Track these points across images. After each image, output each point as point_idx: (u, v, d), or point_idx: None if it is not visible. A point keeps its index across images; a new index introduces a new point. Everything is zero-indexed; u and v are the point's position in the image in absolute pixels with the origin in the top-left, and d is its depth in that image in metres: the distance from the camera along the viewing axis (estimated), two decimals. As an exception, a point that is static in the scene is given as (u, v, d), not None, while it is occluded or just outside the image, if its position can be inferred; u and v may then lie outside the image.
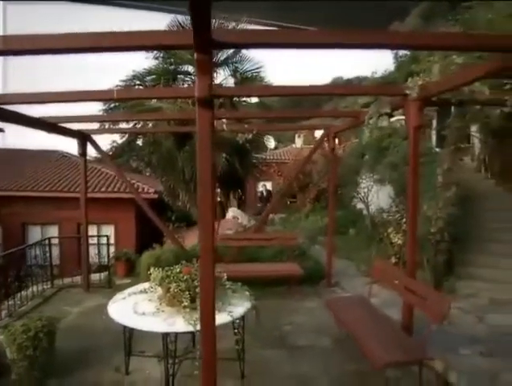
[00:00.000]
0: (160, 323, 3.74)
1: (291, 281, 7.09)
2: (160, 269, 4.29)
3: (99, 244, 9.84)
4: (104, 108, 9.98)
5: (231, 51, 8.43)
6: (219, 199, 7.42)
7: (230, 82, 8.74)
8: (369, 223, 10.12)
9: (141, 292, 4.47)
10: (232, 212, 14.87)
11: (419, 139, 4.59)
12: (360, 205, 11.98)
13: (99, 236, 9.31)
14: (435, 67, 4.45)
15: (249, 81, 8.51)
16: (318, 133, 16.07)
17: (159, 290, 4.21)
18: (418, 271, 7.00)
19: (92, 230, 13.01)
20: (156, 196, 11.63)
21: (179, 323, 3.71)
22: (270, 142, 21.07)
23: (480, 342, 4.85)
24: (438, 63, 4.40)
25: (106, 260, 7.74)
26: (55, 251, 10.19)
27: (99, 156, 14.45)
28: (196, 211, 8.85)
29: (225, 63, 8.58)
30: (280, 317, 6.16)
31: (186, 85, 8.33)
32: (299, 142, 21.34)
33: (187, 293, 3.97)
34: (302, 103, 33.63)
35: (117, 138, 13.83)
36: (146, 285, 4.57)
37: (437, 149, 12.86)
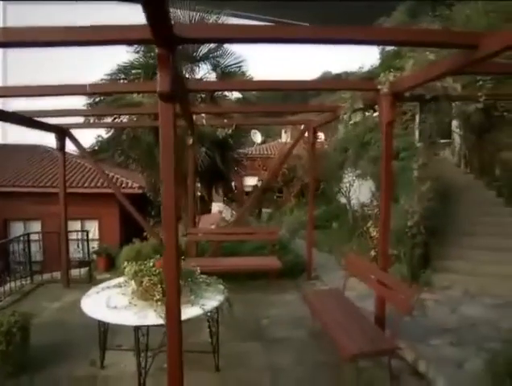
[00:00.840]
0: (131, 317, 3.76)
1: (271, 275, 7.16)
2: (134, 263, 4.31)
3: (82, 240, 9.79)
4: (89, 102, 9.89)
5: (213, 45, 8.42)
6: (199, 194, 7.44)
7: (212, 77, 8.74)
8: (351, 217, 10.23)
9: (114, 286, 4.49)
10: (217, 207, 14.88)
11: (391, 134, 4.65)
12: (343, 199, 12.09)
13: (80, 231, 9.22)
14: (408, 63, 4.52)
15: (230, 76, 8.52)
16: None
17: (133, 284, 4.23)
18: (396, 264, 7.17)
19: (77, 225, 12.96)
20: (140, 191, 11.60)
21: (151, 316, 3.73)
22: (257, 137, 21.09)
23: (450, 333, 4.97)
24: (412, 59, 4.48)
25: (87, 255, 7.71)
26: (38, 247, 10.15)
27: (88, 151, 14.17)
28: (186, 206, 8.87)
29: (206, 57, 8.57)
30: (258, 310, 6.22)
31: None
32: (285, 137, 21.38)
33: (159, 286, 4.01)
34: (290, 98, 33.66)
35: (103, 133, 13.74)
36: (120, 279, 4.59)
37: (419, 144, 13.04)
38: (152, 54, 8.19)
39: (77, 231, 9.07)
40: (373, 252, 7.78)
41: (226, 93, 9.24)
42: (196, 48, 8.29)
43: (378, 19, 21.95)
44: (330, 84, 4.97)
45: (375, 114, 10.93)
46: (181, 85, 4.13)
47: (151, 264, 4.23)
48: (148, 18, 2.18)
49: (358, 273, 5.16)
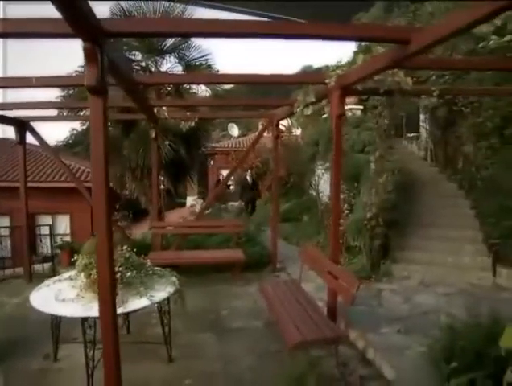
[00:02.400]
0: (78, 309, 3.78)
1: (235, 267, 7.22)
2: (84, 256, 4.31)
3: (51, 235, 9.70)
4: (62, 94, 9.74)
5: (179, 38, 8.38)
6: (162, 187, 7.43)
7: (178, 69, 8.72)
8: (320, 210, 10.36)
9: (66, 279, 4.50)
10: (192, 201, 14.89)
11: (341, 127, 4.73)
12: (315, 192, 12.21)
13: (43, 226, 9.13)
14: (359, 57, 4.60)
15: (195, 69, 8.51)
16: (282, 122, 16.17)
17: (82, 277, 4.24)
18: (359, 255, 7.32)
19: (48, 220, 12.82)
20: (111, 185, 11.46)
21: (97, 308, 3.75)
22: (234, 130, 21.10)
23: (400, 321, 5.11)
24: (361, 53, 4.55)
25: (50, 250, 7.65)
26: (7, 242, 10.02)
27: (58, 144, 14.12)
28: (143, 200, 8.87)
29: (172, 50, 8.54)
30: (220, 301, 6.30)
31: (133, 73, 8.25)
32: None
33: (108, 279, 4.04)
34: (271, 92, 33.64)
35: (77, 126, 13.55)
36: (72, 272, 4.59)
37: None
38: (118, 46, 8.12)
39: (39, 225, 8.94)
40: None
41: (194, 87, 9.24)
42: (161, 41, 8.26)
43: (357, 14, 22.11)
44: (283, 77, 4.99)
45: (346, 108, 11.11)
46: (126, 79, 4.12)
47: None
48: (64, 12, 2.19)
49: (312, 264, 5.26)
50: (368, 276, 6.67)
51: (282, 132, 15.83)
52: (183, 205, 16.13)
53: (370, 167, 8.12)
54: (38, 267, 7.73)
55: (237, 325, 5.48)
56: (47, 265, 7.76)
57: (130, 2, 7.93)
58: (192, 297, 6.45)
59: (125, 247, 4.44)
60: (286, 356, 4.42)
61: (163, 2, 8.07)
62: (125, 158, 8.48)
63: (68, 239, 11.24)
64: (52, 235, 7.83)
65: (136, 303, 3.95)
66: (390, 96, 5.44)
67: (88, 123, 10.58)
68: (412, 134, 11.86)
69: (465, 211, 8.05)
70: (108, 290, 2.93)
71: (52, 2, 2.03)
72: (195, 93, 9.04)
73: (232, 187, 17.68)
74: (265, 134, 17.62)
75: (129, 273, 4.24)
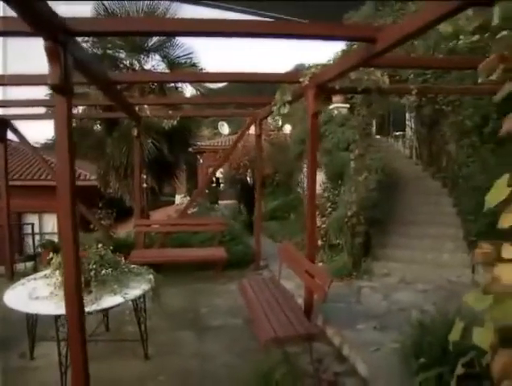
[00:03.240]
0: (51, 307, 3.78)
1: (218, 266, 7.23)
2: (59, 255, 4.31)
3: (33, 233, 9.64)
4: (50, 92, 9.67)
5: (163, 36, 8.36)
6: (145, 185, 7.41)
7: (162, 68, 8.70)
8: (305, 208, 10.40)
9: (41, 277, 4.50)
10: (181, 199, 14.87)
11: (317, 125, 4.76)
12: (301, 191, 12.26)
13: (26, 225, 9.09)
14: (335, 55, 4.63)
15: (179, 67, 8.50)
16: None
17: (57, 275, 4.24)
18: (341, 253, 7.37)
19: (35, 219, 12.77)
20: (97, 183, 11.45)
21: (69, 306, 3.76)
22: (224, 129, 21.03)
23: (377, 318, 5.16)
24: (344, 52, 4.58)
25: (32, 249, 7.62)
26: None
27: (48, 143, 13.94)
28: (128, 198, 8.85)
29: (156, 48, 8.53)
30: (200, 300, 6.32)
31: (117, 71, 8.22)
32: (253, 128, 21.28)
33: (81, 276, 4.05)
34: (264, 91, 33.59)
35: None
36: (48, 270, 4.58)
37: (377, 136, 13.32)
38: (100, 44, 8.13)
39: (25, 224, 8.91)
40: (320, 242, 7.97)
41: (180, 85, 9.22)
42: (145, 39, 8.24)
43: (347, 13, 22.16)
44: (259, 76, 5.01)
45: (330, 107, 11.16)
46: (100, 77, 4.12)
47: (75, 254, 4.25)
48: (21, 12, 2.19)
49: (290, 262, 5.29)
50: (349, 273, 6.72)
51: (272, 130, 15.91)
52: (171, 203, 16.10)
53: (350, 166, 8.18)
54: (20, 266, 7.70)
55: (216, 323, 5.50)
56: (29, 264, 7.73)
57: (113, 1, 7.91)
58: (174, 296, 6.51)
59: (100, 245, 4.45)
60: (262, 353, 4.47)
61: (146, 1, 8.04)
62: (109, 157, 8.47)
63: (55, 237, 11.22)
64: (34, 234, 7.76)
65: (110, 300, 3.97)
66: (368, 95, 5.47)
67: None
68: (399, 133, 11.93)
69: (448, 208, 8.13)
70: (74, 289, 2.94)
71: (8, 3, 2.03)
72: (180, 91, 9.02)
73: (222, 185, 17.66)
74: (252, 132, 17.58)
75: (104, 271, 4.27)
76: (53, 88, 2.72)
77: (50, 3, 2.41)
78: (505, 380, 1.72)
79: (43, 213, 12.91)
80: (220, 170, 16.95)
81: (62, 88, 2.73)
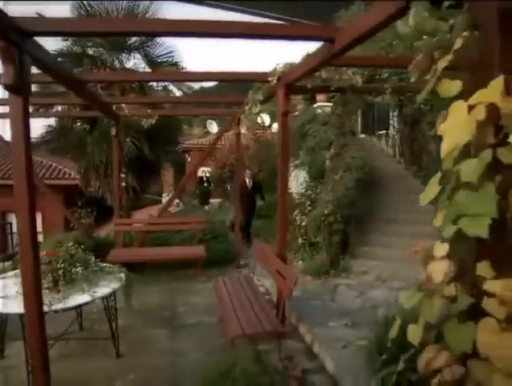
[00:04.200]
0: (15, 305, 3.79)
1: (198, 264, 7.25)
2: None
3: (11, 233, 9.59)
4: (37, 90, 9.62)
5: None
6: (124, 184, 7.39)
7: (142, 66, 8.70)
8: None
9: (11, 276, 4.50)
10: (167, 198, 14.84)
11: (287, 124, 4.78)
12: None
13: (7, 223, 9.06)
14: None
15: (160, 66, 8.49)
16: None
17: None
18: (320, 251, 7.41)
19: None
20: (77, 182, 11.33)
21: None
22: (213, 127, 21.01)
23: (349, 315, 5.20)
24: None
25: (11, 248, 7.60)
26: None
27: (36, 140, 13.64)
28: (109, 197, 8.84)
29: (137, 47, 8.52)
30: (178, 298, 6.34)
31: (96, 70, 8.19)
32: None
33: (49, 275, 4.07)
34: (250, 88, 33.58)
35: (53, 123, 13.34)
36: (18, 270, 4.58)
37: (362, 135, 13.40)
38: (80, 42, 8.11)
39: (6, 223, 8.87)
40: (300, 240, 8.01)
41: (166, 83, 9.21)
42: (126, 38, 8.23)
43: (337, 12, 22.23)
44: (228, 75, 5.02)
45: (315, 105, 11.19)
46: (68, 77, 4.12)
47: (44, 253, 4.26)
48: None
49: (263, 261, 5.33)
50: (327, 271, 6.77)
51: (259, 129, 15.91)
52: (159, 202, 16.08)
53: (337, 164, 8.23)
54: (-1, 265, 7.68)
55: (191, 321, 5.53)
56: (7, 263, 7.70)
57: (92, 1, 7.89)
58: (153, 294, 6.54)
59: (71, 244, 4.46)
60: (233, 350, 4.51)
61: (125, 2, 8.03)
62: (89, 155, 8.45)
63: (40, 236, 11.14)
64: (13, 233, 7.71)
65: (77, 299, 3.99)
66: (342, 94, 5.51)
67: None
68: (382, 131, 12.01)
69: (427, 207, 8.10)
70: (32, 288, 2.95)
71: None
72: (166, 90, 9.00)
73: (212, 184, 17.58)
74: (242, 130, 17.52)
75: (73, 270, 4.28)
76: (7, 87, 2.72)
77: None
78: (435, 376, 1.77)
79: (28, 212, 12.80)
80: (208, 169, 17.03)
81: (17, 88, 2.73)
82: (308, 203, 7.79)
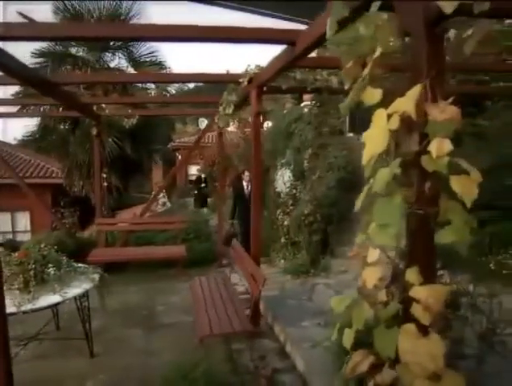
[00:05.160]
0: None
1: (179, 263, 7.27)
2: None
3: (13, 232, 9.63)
4: (20, 90, 9.61)
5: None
6: (106, 184, 7.40)
7: (124, 66, 8.70)
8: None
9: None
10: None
11: (259, 124, 4.81)
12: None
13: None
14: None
15: (143, 66, 8.49)
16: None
17: None
18: (302, 250, 7.45)
19: (7, 218, 12.69)
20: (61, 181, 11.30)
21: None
22: (205, 125, 21.00)
23: (323, 315, 5.23)
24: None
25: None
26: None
27: (21, 140, 13.71)
28: (93, 196, 8.83)
29: (119, 46, 8.51)
30: (157, 297, 6.39)
31: (77, 70, 8.17)
32: (231, 125, 21.24)
33: (20, 276, 4.09)
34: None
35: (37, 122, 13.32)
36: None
37: (350, 134, 13.39)
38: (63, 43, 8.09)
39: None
40: (283, 239, 8.04)
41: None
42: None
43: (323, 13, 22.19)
44: (200, 76, 5.05)
45: (302, 104, 11.19)
46: (37, 80, 4.12)
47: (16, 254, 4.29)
48: None
49: (237, 261, 5.37)
50: (306, 271, 6.80)
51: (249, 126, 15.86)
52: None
53: (323, 162, 8.24)
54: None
55: (169, 320, 5.56)
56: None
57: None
58: (132, 294, 6.58)
59: (43, 245, 4.48)
60: (211, 349, 4.54)
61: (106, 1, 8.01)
62: (72, 155, 8.46)
63: (27, 235, 11.21)
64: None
65: (48, 299, 4.02)
66: (318, 94, 5.54)
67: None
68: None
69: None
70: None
71: None
72: (145, 89, 9.01)
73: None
74: (230, 129, 17.65)
75: (46, 271, 4.31)
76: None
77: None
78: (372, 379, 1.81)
79: (16, 212, 12.81)
80: (198, 167, 17.04)
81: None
82: (291, 202, 7.83)
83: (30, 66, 8.41)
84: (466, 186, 1.56)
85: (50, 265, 4.35)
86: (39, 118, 11.29)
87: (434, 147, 1.47)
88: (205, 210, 13.37)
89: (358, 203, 1.96)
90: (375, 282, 1.87)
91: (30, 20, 7.45)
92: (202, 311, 4.47)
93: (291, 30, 3.23)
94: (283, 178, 10.79)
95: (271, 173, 13.60)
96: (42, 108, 9.04)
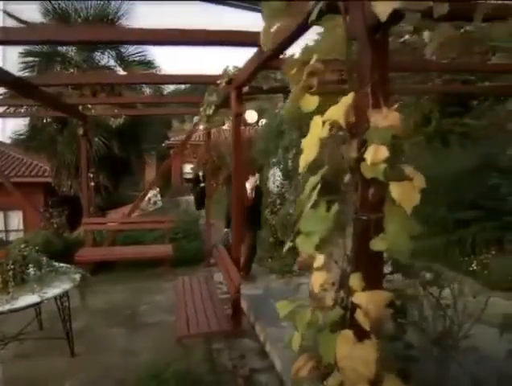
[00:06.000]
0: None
1: (165, 263, 7.29)
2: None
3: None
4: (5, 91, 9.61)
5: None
6: (93, 184, 7.38)
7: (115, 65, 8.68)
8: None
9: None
10: (152, 195, 14.83)
11: (239, 125, 4.81)
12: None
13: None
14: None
15: (132, 65, 8.48)
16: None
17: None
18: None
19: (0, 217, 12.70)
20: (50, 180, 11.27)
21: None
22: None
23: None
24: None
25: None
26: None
27: (18, 138, 13.62)
28: (82, 196, 8.84)
29: (109, 46, 8.50)
30: (142, 297, 6.40)
31: (64, 70, 8.15)
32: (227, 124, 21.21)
33: (-1, 277, 4.12)
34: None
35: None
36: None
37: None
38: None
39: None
40: (271, 239, 8.06)
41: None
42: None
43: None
44: (181, 77, 5.06)
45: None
46: (17, 82, 4.14)
47: (-5, 254, 4.31)
48: None
49: (220, 263, 5.39)
50: (291, 270, 6.83)
51: (243, 125, 15.86)
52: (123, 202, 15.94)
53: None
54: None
55: (152, 320, 5.58)
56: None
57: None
58: (118, 293, 6.59)
59: (23, 245, 4.50)
60: (192, 349, 4.56)
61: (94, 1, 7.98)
62: (60, 155, 8.46)
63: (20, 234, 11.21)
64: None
65: (26, 300, 4.03)
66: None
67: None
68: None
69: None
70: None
71: None
72: (134, 89, 8.98)
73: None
74: (225, 128, 17.64)
75: (26, 271, 4.33)
76: None
77: None
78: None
79: (9, 211, 12.82)
80: (191, 165, 17.02)
81: None
82: (278, 201, 7.85)
83: (19, 65, 8.47)
84: (406, 193, 1.57)
85: (30, 266, 4.37)
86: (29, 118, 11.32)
87: (369, 154, 1.49)
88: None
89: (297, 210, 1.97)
90: (321, 287, 1.89)
91: (17, 19, 7.48)
92: (182, 311, 4.49)
93: (253, 33, 3.24)
94: (274, 177, 10.82)
95: (264, 172, 13.66)
96: (30, 109, 9.03)
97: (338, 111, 1.46)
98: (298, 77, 1.84)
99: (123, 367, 4.35)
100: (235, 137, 4.78)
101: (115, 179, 9.26)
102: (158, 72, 8.39)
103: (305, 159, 1.56)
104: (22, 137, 9.87)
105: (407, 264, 2.63)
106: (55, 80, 6.29)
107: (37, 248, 4.58)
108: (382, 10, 1.47)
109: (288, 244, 1.61)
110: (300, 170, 1.60)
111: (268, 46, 1.79)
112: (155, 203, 11.76)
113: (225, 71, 4.40)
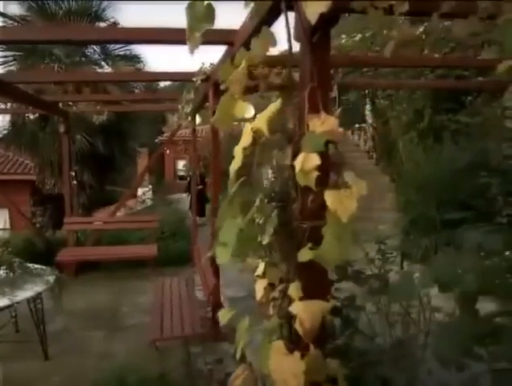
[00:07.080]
0: None
1: (150, 263, 7.19)
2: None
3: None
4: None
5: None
6: (75, 182, 7.26)
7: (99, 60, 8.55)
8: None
9: None
10: (143, 192, 14.76)
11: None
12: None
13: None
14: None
15: (117, 60, 8.34)
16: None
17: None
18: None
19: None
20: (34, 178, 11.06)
21: None
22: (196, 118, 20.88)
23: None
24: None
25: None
26: None
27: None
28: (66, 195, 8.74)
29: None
30: (124, 298, 6.31)
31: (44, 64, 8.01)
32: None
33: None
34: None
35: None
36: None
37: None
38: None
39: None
40: (259, 238, 7.96)
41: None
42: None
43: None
44: (162, 75, 4.97)
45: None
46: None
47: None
48: None
49: (198, 263, 5.31)
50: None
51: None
52: (133, 197, 15.88)
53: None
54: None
55: (132, 322, 5.49)
56: None
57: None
58: (99, 294, 6.49)
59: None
60: (169, 352, 4.49)
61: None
62: (43, 152, 8.34)
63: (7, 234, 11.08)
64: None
65: (-3, 303, 3.96)
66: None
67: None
68: (359, 125, 11.95)
69: (388, 205, 8.16)
70: None
71: None
72: (118, 86, 8.84)
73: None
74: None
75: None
76: None
77: None
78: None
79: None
80: (184, 162, 16.91)
81: None
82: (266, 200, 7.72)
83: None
84: (342, 201, 1.50)
85: (2, 268, 4.30)
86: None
87: (299, 161, 1.41)
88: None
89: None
90: (262, 295, 1.85)
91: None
92: (157, 313, 4.42)
93: (228, 31, 3.15)
94: (267, 175, 10.73)
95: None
96: (11, 106, 8.87)
97: (262, 118, 1.37)
98: (236, 82, 1.75)
99: (97, 371, 4.27)
100: (213, 136, 4.68)
101: (100, 177, 9.12)
102: (143, 67, 8.32)
103: (232, 167, 1.48)
104: (4, 133, 9.69)
105: (356, 270, 2.57)
106: (37, 77, 6.18)
107: (9, 249, 4.49)
108: (311, 12, 1.39)
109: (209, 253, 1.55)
110: (230, 179, 1.52)
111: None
112: (144, 201, 11.62)
113: (201, 68, 4.30)
